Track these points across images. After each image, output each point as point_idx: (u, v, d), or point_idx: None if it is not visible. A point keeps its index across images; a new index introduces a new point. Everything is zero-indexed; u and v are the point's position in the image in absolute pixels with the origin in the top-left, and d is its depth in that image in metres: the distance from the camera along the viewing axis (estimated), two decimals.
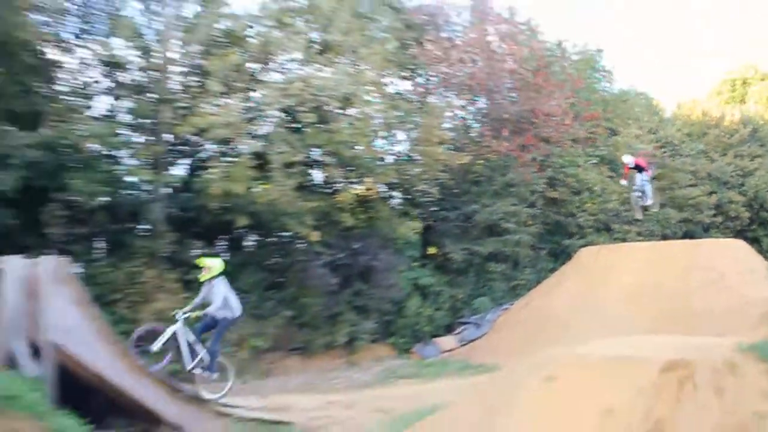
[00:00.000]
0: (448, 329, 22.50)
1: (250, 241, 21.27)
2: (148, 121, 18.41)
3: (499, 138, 23.12)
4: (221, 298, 11.49)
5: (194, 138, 18.79)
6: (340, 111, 19.43)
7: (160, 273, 18.24)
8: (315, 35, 19.52)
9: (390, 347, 21.81)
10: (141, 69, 18.50)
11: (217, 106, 18.07)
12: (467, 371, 18.23)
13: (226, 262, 19.49)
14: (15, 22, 16.56)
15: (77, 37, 18.24)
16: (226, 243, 20.87)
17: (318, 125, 18.97)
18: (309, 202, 19.12)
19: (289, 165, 18.66)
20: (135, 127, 18.61)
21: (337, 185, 20.51)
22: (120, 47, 18.16)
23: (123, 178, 18.54)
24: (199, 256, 13.21)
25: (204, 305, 11.69)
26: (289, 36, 18.38)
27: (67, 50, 18.02)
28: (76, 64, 18.22)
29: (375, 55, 19.23)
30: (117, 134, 17.91)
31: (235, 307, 11.85)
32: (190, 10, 18.75)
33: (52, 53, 17.82)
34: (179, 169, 19.78)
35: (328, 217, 19.84)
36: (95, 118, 18.13)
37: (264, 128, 18.97)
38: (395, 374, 19.09)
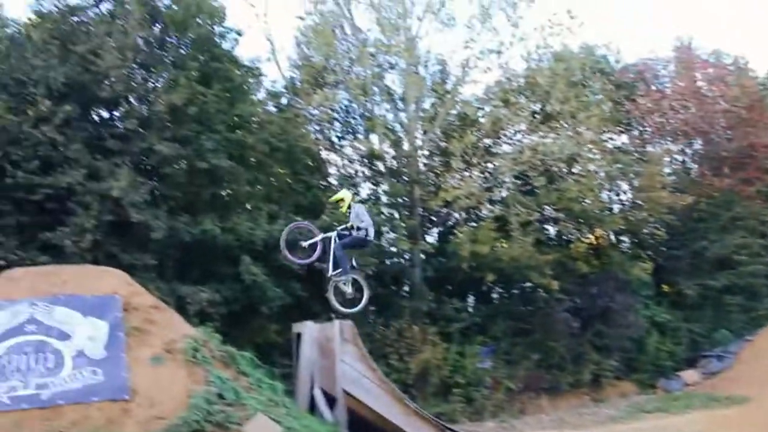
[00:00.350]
0: (690, 363, 23.21)
1: (496, 293, 23.80)
2: (403, 199, 21.79)
3: (719, 175, 23.89)
4: (360, 217, 12.01)
5: (442, 209, 21.83)
6: (567, 171, 21.59)
7: (422, 328, 21.09)
8: (536, 107, 21.94)
9: (634, 383, 22.90)
10: (393, 157, 22.08)
11: (460, 180, 21.04)
12: (715, 404, 18.92)
13: (476, 314, 22.39)
14: (297, 134, 20.83)
15: (341, 138, 22.33)
16: (476, 297, 23.57)
17: (548, 186, 21.23)
18: (546, 255, 21.29)
19: (526, 224, 21.09)
20: (393, 206, 22.11)
21: (570, 237, 22.47)
22: (375, 142, 21.87)
23: (386, 249, 21.87)
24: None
25: (351, 227, 12.19)
26: (514, 111, 20.98)
27: (335, 150, 22.08)
28: (341, 159, 22.23)
29: (592, 117, 21.23)
30: (379, 213, 21.38)
31: (369, 227, 12.34)
32: (428, 102, 22.09)
33: (324, 154, 21.95)
34: (431, 237, 22.96)
35: (565, 266, 21.85)
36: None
37: (501, 194, 21.54)
38: (642, 409, 20.13)
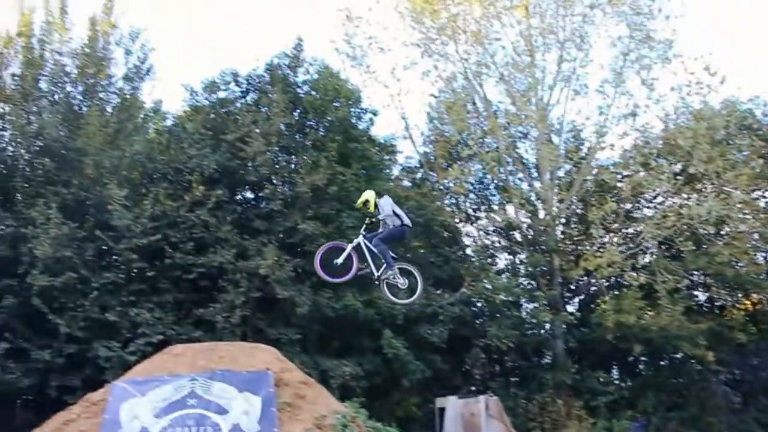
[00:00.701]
0: None
1: (643, 365, 22.63)
2: (542, 268, 21.45)
3: None
4: (388, 209, 11.68)
5: (583, 278, 21.26)
6: (715, 233, 20.50)
7: (567, 401, 20.32)
8: (677, 168, 21.14)
9: None
10: (529, 227, 21.91)
11: (600, 247, 20.48)
12: None
13: (623, 387, 21.37)
14: (433, 208, 21.22)
15: (476, 210, 22.47)
16: (621, 368, 22.52)
17: (696, 250, 20.20)
18: (698, 323, 20.09)
19: (674, 291, 20.06)
20: (531, 276, 21.81)
21: (724, 303, 21.13)
22: (511, 212, 21.85)
23: (526, 320, 21.50)
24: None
25: (380, 221, 11.95)
26: (655, 175, 20.30)
27: (471, 221, 22.23)
28: (477, 231, 22.33)
29: (740, 176, 20.15)
30: (518, 285, 21.16)
31: (402, 216, 12.06)
32: (563, 170, 21.88)
33: (460, 226, 22.16)
34: (571, 306, 22.35)
35: (720, 335, 20.49)
36: (498, 273, 21.75)
37: (645, 260, 20.72)
38: None
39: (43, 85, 20.06)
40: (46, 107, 19.63)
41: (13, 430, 16.43)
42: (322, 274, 11.97)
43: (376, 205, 11.74)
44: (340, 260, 11.55)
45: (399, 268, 11.84)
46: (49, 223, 16.63)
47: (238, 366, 11.58)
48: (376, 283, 12.03)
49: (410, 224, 12.28)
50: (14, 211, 17.67)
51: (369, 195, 12.04)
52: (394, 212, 11.77)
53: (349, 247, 11.67)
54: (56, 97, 20.17)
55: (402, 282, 11.79)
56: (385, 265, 11.62)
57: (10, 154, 19.20)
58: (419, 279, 11.94)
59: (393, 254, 11.90)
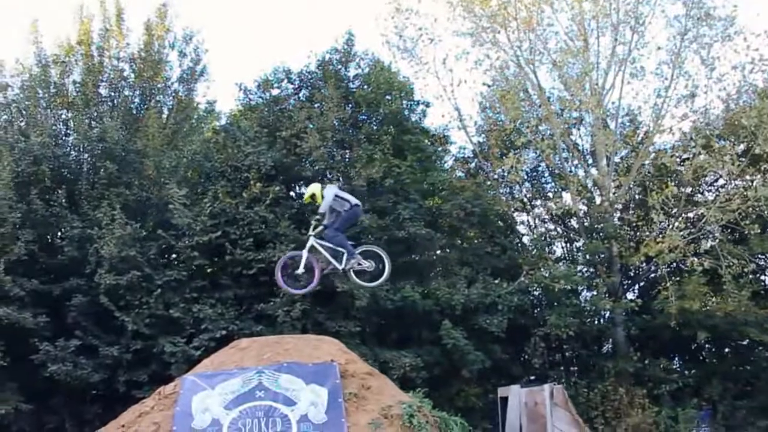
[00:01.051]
0: None
1: (707, 352, 22.07)
2: (599, 256, 21.10)
3: None
4: (328, 198, 11.60)
5: (643, 264, 20.85)
6: None
7: (628, 390, 19.93)
8: (740, 149, 20.51)
9: None
10: (586, 214, 21.58)
11: (661, 233, 20.04)
12: None
13: (687, 375, 20.91)
14: (489, 197, 21.11)
15: (531, 199, 22.24)
16: (684, 356, 22.03)
17: (762, 233, 19.60)
18: (766, 309, 19.49)
19: (740, 275, 19.50)
20: (589, 263, 21.49)
21: None
22: (568, 199, 21.57)
23: (586, 308, 21.21)
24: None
25: (323, 215, 11.79)
26: (718, 157, 19.73)
27: (526, 210, 22.02)
28: (533, 220, 22.11)
29: None
30: (576, 272, 20.88)
31: (349, 198, 11.96)
32: (619, 155, 21.47)
33: (516, 215, 22.00)
34: (631, 294, 21.94)
35: None
36: (556, 261, 21.49)
37: (707, 244, 20.19)
38: None
39: (102, 90, 20.79)
40: (106, 112, 20.27)
41: (84, 423, 17.01)
42: (287, 288, 12.14)
43: (322, 197, 11.70)
44: (300, 269, 11.62)
45: (362, 251, 11.78)
46: (113, 224, 17.19)
47: (303, 358, 11.71)
48: (344, 275, 12.02)
49: (359, 202, 12.22)
50: (80, 213, 18.29)
51: (314, 189, 12.12)
52: (337, 197, 11.75)
53: (305, 253, 11.68)
54: (115, 101, 20.82)
55: (368, 265, 11.68)
56: (346, 255, 11.56)
57: (75, 158, 19.86)
58: (386, 258, 11.81)
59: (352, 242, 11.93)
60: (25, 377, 16.71)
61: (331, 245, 11.70)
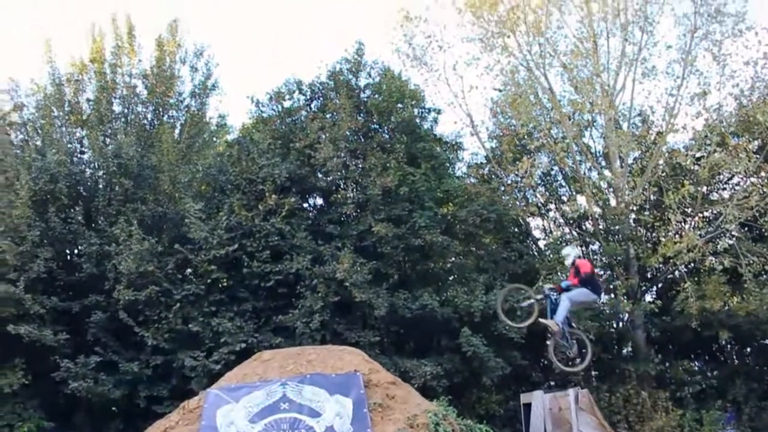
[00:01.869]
0: None
1: (731, 353, 21.84)
2: (616, 258, 20.97)
3: None
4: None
5: (661, 265, 20.68)
6: None
7: (651, 393, 19.74)
8: (755, 145, 20.38)
9: None
10: (601, 216, 21.46)
11: (678, 233, 19.89)
12: None
13: (709, 375, 20.70)
14: (503, 203, 21.04)
15: (545, 203, 22.15)
16: (706, 357, 21.80)
17: None
18: None
19: (760, 273, 19.33)
20: (607, 266, 21.34)
21: None
22: (582, 202, 21.44)
23: (605, 311, 21.03)
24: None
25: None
26: (734, 154, 19.59)
27: (541, 215, 21.93)
28: (549, 224, 22.01)
29: None
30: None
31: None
32: (632, 156, 21.36)
33: (531, 220, 21.91)
34: (649, 295, 21.78)
35: None
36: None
37: (726, 243, 19.99)
38: None
39: (116, 107, 20.92)
40: (120, 128, 20.41)
41: None
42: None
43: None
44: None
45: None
46: (130, 240, 17.27)
47: (326, 369, 11.72)
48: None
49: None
50: (98, 230, 18.36)
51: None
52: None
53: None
54: (129, 118, 20.95)
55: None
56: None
57: (91, 175, 19.97)
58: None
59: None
60: (47, 395, 16.81)
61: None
